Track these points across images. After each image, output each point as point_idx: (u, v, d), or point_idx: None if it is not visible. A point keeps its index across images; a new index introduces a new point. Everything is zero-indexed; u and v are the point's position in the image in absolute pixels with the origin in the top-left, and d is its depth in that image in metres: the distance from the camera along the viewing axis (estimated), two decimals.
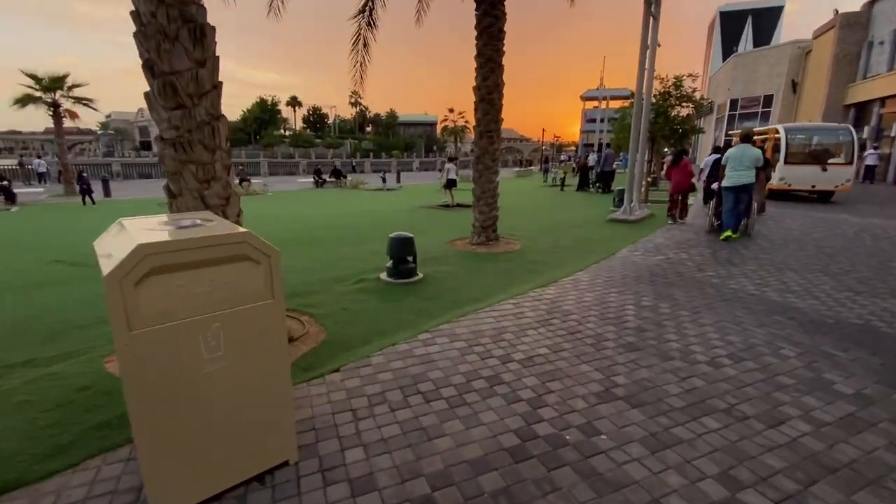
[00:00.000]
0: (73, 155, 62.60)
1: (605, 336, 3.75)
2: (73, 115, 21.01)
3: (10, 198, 17.78)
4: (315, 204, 16.63)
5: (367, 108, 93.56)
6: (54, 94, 20.34)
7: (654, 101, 13.87)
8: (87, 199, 16.78)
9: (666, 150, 38.14)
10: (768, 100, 31.50)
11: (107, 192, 20.40)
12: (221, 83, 3.53)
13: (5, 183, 18.02)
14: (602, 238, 8.40)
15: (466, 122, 35.75)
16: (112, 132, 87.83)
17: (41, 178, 27.81)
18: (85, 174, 17.75)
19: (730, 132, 29.07)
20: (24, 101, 20.19)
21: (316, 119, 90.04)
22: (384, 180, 23.58)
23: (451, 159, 14.76)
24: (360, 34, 8.67)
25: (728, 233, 8.28)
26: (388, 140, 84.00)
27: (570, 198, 16.94)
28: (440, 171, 24.90)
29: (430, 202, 15.24)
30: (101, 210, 15.13)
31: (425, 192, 19.43)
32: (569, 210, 12.99)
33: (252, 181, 23.11)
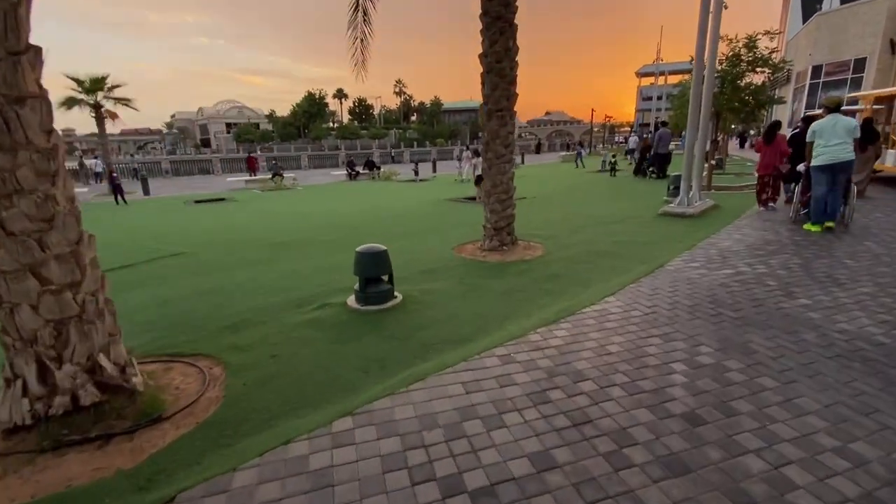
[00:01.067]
0: (142, 154, 66.79)
1: (633, 434, 2.28)
2: (114, 116, 21.42)
3: None
4: (337, 198, 15.73)
5: (411, 97, 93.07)
6: (96, 96, 20.82)
7: (719, 67, 11.63)
8: (120, 198, 16.85)
9: (734, 126, 34.46)
10: (860, 64, 26.97)
11: (146, 191, 20.71)
12: (33, 49, 2.37)
13: None
14: (649, 240, 6.68)
15: None
16: (175, 131, 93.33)
17: (98, 177, 29.15)
18: (115, 174, 17.95)
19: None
20: (68, 103, 20.81)
21: (361, 110, 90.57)
22: (416, 172, 22.37)
23: (476, 152, 13.26)
24: (357, 3, 7.42)
25: (815, 226, 6.48)
26: (432, 129, 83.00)
27: (619, 185, 14.90)
28: (458, 159, 22.67)
29: (457, 195, 13.84)
30: (126, 210, 15.02)
31: (457, 183, 18.03)
32: (614, 201, 11.14)
33: (284, 175, 22.67)
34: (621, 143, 44.89)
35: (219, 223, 10.84)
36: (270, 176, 22.57)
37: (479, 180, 12.72)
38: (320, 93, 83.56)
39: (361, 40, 7.83)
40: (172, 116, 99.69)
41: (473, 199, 12.66)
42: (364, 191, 18.19)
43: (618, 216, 8.86)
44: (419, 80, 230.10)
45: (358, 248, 4.39)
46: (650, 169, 15.70)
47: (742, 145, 32.64)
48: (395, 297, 4.57)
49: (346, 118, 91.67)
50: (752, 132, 33.29)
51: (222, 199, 16.73)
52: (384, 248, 4.47)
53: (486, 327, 3.79)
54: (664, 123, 15.43)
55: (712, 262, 5.22)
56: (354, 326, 3.98)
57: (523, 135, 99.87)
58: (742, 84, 11.51)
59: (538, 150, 48.53)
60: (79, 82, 20.22)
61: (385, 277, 4.55)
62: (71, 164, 28.58)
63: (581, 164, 25.98)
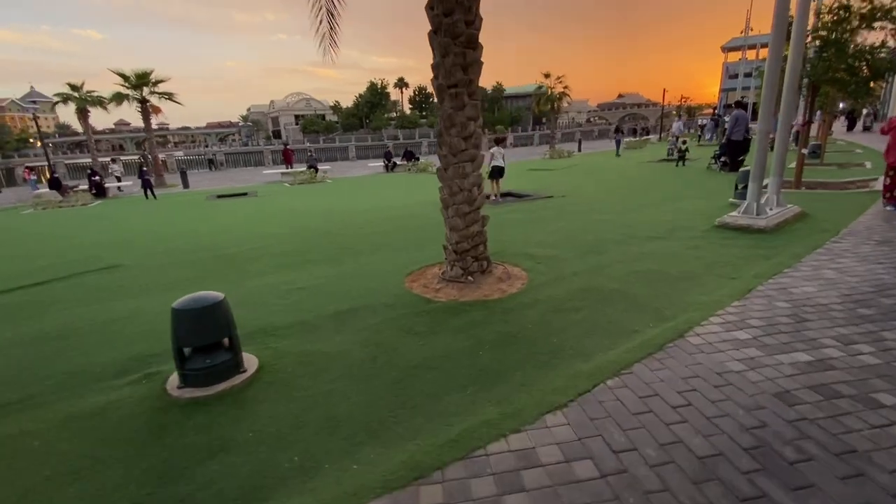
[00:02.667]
0: (219, 145, 70.93)
1: None
2: (157, 111, 21.88)
3: (101, 192, 18.89)
4: (352, 194, 14.50)
5: None
6: (141, 91, 21.27)
7: (818, 25, 8.75)
8: (149, 192, 16.89)
9: (842, 104, 28.76)
10: None
11: (185, 184, 20.93)
12: None
13: (97, 178, 19.19)
14: (687, 271, 4.58)
15: (566, 87, 30.60)
16: (250, 123, 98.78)
17: None
18: (146, 168, 18.11)
19: None
20: (116, 98, 21.49)
21: (421, 99, 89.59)
22: None
23: (497, 141, 11.39)
24: None
25: None
26: (492, 115, 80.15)
27: (680, 179, 12.22)
28: None
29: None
30: (143, 206, 14.86)
31: None
32: (665, 202, 8.76)
33: (319, 168, 21.93)
34: (700, 126, 39.36)
35: (206, 225, 9.97)
36: (305, 168, 21.98)
37: (493, 173, 10.86)
38: (382, 82, 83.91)
39: (329, 12, 6.31)
40: (248, 110, 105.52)
41: (487, 197, 10.81)
42: (387, 185, 16.85)
43: (660, 226, 6.67)
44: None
45: (175, 304, 2.88)
46: (721, 159, 12.79)
47: (851, 127, 27.08)
48: (242, 371, 3.04)
49: (406, 107, 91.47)
50: (865, 111, 27.47)
51: (244, 195, 16.20)
52: (219, 297, 2.94)
53: (313, 464, 2.15)
54: (739, 104, 12.40)
55: (774, 331, 3.11)
56: (128, 435, 2.51)
57: (592, 119, 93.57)
58: (851, 46, 8.53)
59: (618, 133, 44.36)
60: (124, 77, 20.72)
61: (226, 341, 3.03)
62: (133, 157, 30.16)
63: (618, 154, 23.52)
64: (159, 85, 21.46)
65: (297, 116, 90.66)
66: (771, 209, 6.47)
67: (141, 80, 20.96)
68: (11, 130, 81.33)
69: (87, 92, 23.31)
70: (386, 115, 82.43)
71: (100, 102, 23.64)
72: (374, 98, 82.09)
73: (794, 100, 6.49)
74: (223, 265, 6.26)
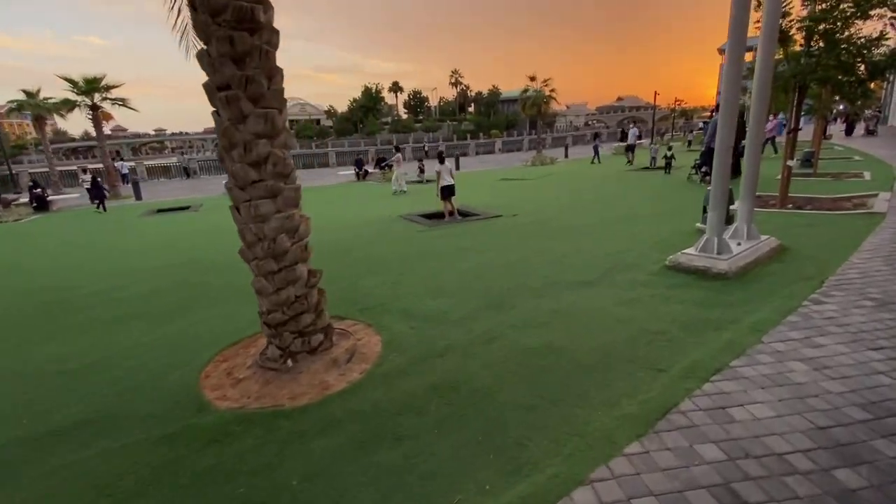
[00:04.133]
0: (198, 152, 69.72)
1: None
2: (108, 117, 20.66)
3: (43, 205, 17.59)
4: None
5: (467, 87, 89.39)
6: (92, 97, 20.00)
7: (803, 12, 7.38)
8: (101, 205, 15.70)
9: (842, 107, 27.14)
10: None
11: (137, 196, 19.64)
12: None
13: (38, 191, 17.89)
14: (601, 351, 3.15)
15: (552, 90, 29.27)
16: None
17: (125, 178, 29.16)
18: (99, 179, 16.84)
19: None
20: (66, 104, 20.23)
21: (416, 103, 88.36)
22: (422, 170, 19.24)
23: (440, 158, 10.02)
24: None
25: None
26: (488, 119, 78.86)
27: (655, 193, 10.80)
28: (392, 161, 16.62)
29: (424, 207, 10.57)
30: (71, 223, 13.54)
31: (396, 196, 14.19)
32: (625, 224, 7.35)
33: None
34: (699, 129, 37.42)
35: (99, 251, 8.60)
36: None
37: (444, 193, 9.48)
38: (376, 87, 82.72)
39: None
40: None
41: (441, 215, 9.43)
42: (347, 196, 15.45)
43: (599, 263, 5.26)
44: (480, 71, 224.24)
45: None
46: (702, 170, 11.39)
47: (849, 132, 25.40)
48: None
49: (402, 111, 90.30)
50: (867, 112, 25.70)
51: (186, 208, 14.88)
52: None
53: None
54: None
55: None
56: None
57: (590, 122, 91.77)
58: (843, 38, 7.12)
59: (623, 138, 42.67)
60: (73, 83, 19.45)
61: None
62: (98, 164, 28.78)
63: (598, 160, 22.46)
64: (112, 91, 20.20)
65: (291, 121, 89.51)
66: (740, 243, 5.07)
67: (91, 86, 19.69)
68: (9, 136, 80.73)
69: (43, 98, 22.10)
70: (382, 120, 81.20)
71: (57, 109, 22.42)
72: (369, 102, 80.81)
73: (765, 103, 5.11)
74: (32, 318, 4.87)
